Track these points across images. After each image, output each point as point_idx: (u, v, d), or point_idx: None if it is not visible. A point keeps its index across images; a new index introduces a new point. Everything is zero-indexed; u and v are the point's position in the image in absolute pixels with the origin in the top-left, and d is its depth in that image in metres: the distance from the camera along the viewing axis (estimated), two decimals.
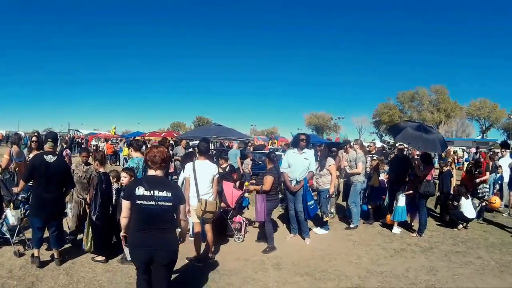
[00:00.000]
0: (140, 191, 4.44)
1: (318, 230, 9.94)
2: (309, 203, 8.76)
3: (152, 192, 4.46)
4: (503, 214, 13.26)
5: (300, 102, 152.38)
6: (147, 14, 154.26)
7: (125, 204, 4.62)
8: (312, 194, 9.34)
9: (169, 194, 4.52)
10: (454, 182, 12.38)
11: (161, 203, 4.47)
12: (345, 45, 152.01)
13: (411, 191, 10.28)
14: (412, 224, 10.73)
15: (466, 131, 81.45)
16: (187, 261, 7.23)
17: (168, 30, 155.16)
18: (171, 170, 15.03)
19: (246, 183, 10.01)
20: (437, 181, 12.32)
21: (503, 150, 16.21)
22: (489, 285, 6.98)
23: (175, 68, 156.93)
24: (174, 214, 4.69)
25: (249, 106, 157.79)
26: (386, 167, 12.42)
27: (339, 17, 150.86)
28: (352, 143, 11.99)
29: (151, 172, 4.72)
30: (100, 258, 7.03)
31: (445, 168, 12.56)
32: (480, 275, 7.40)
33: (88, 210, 7.30)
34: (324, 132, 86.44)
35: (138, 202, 4.44)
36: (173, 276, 6.29)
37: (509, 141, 47.65)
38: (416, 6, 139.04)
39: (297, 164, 8.90)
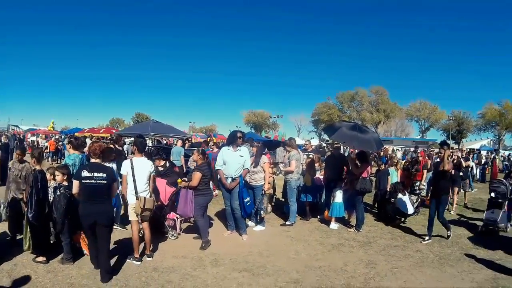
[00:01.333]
0: (85, 173, 6.27)
1: (255, 227, 10.11)
2: (245, 200, 8.87)
3: (93, 173, 6.29)
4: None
5: (239, 99, 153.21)
6: (81, 11, 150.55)
7: (75, 183, 6.35)
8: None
9: (104, 175, 6.37)
10: (391, 180, 12.80)
11: (99, 181, 6.30)
12: (285, 45, 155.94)
13: (348, 188, 10.60)
14: (350, 220, 11.08)
15: (405, 131, 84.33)
16: (127, 259, 7.20)
17: (105, 26, 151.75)
18: None
19: (179, 180, 9.95)
20: (374, 179, 12.85)
21: (440, 149, 16.93)
22: (429, 277, 7.30)
23: (114, 64, 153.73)
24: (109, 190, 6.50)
25: (188, 103, 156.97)
26: (323, 165, 12.68)
27: (279, 17, 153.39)
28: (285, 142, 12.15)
29: (92, 160, 6.67)
30: (40, 259, 6.92)
31: (382, 166, 13.06)
32: (420, 267, 7.73)
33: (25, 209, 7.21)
34: (262, 130, 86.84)
35: (84, 181, 6.25)
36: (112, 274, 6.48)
37: (448, 141, 49.38)
38: (357, 8, 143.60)
39: (232, 162, 8.97)
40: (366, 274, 7.21)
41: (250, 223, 10.22)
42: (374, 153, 17.00)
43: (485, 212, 11.26)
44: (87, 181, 6.22)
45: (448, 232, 9.95)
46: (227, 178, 8.99)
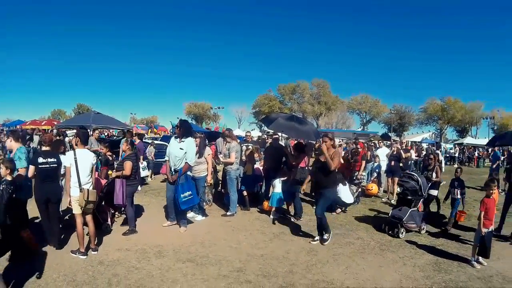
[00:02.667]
0: (40, 159, 7.41)
1: (196, 217, 10.32)
2: (182, 195, 8.81)
3: (47, 159, 7.48)
4: (382, 199, 14.78)
5: (181, 91, 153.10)
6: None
7: (31, 168, 7.31)
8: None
9: (55, 160, 7.62)
10: None
11: (51, 165, 7.52)
12: (228, 36, 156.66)
13: (287, 178, 10.92)
14: (289, 209, 11.41)
15: (346, 123, 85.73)
16: (72, 254, 7.23)
17: (44, 15, 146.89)
18: None
19: (110, 172, 10.01)
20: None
21: (380, 141, 17.78)
22: (370, 263, 7.72)
23: (54, 53, 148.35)
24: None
25: (129, 94, 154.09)
26: (262, 155, 13.06)
27: (221, 8, 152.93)
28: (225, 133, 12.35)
29: (44, 148, 8.04)
30: None
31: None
32: (361, 254, 8.17)
33: None
34: (203, 122, 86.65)
35: (39, 166, 7.38)
36: (59, 270, 6.54)
37: (390, 134, 50.73)
38: (301, 1, 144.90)
39: (174, 153, 9.05)
40: (308, 262, 7.53)
41: (191, 214, 10.37)
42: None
43: (391, 210, 10.63)
44: (43, 166, 7.42)
45: (320, 237, 8.83)
46: (171, 170, 9.12)
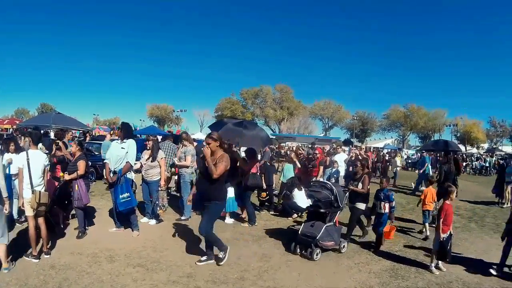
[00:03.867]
0: None
1: (150, 222, 10.34)
2: (120, 196, 8.78)
3: None
4: None
5: (145, 92, 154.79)
6: None
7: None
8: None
9: None
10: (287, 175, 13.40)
11: None
12: (191, 38, 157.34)
13: (239, 183, 11.02)
14: (243, 215, 11.49)
15: (308, 128, 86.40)
16: (25, 257, 7.20)
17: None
18: None
19: (61, 174, 9.89)
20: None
21: (338, 147, 18.02)
22: (324, 268, 7.80)
23: (17, 53, 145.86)
24: None
25: (93, 94, 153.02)
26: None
27: (184, 10, 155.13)
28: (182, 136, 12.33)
29: None
30: None
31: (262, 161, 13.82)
32: (315, 260, 8.17)
33: None
34: (165, 124, 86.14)
35: None
36: (11, 274, 6.51)
37: (352, 140, 51.38)
38: (266, 5, 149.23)
39: (116, 153, 9.04)
40: (260, 268, 7.58)
41: (145, 218, 10.43)
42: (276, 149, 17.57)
43: (302, 223, 9.31)
44: None
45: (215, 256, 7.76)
46: (111, 171, 9.08)
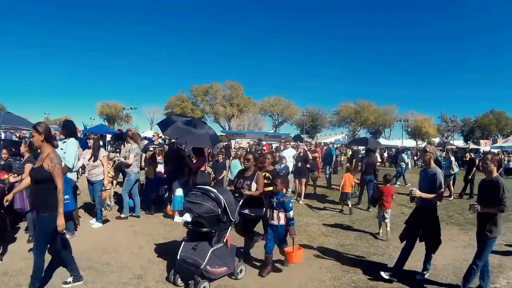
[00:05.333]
0: None
1: (93, 223, 10.29)
2: None
3: None
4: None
5: (95, 90, 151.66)
6: None
7: None
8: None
9: None
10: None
11: None
12: (141, 38, 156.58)
13: (187, 181, 11.13)
14: None
15: (258, 125, 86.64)
16: None
17: None
18: None
19: (5, 176, 9.72)
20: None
21: (287, 143, 18.33)
22: (274, 265, 7.83)
23: None
24: None
25: (43, 93, 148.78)
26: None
27: (133, 9, 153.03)
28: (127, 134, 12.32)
29: None
30: None
31: (220, 159, 14.42)
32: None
33: None
34: (115, 123, 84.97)
35: None
36: None
37: (302, 136, 51.90)
38: (213, 3, 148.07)
39: None
40: None
41: (92, 220, 10.35)
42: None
43: (182, 243, 7.00)
44: None
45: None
46: None
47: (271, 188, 7.67)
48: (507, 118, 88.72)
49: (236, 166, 14.02)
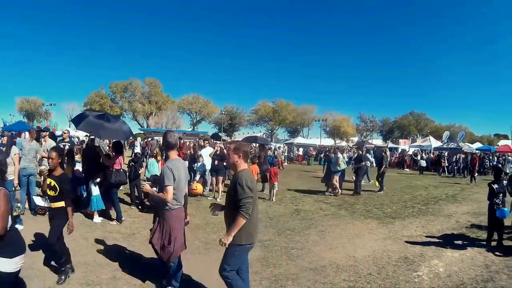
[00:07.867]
0: None
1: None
2: None
3: None
4: (208, 198, 15.73)
5: (13, 84, 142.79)
6: None
7: None
8: None
9: None
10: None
11: None
12: (60, 30, 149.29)
13: (102, 180, 11.08)
14: (111, 213, 11.52)
15: (176, 123, 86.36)
16: None
17: None
18: None
19: None
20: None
21: (205, 141, 18.72)
22: (195, 263, 8.03)
23: None
24: None
25: None
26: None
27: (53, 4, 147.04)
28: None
29: None
30: None
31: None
32: (184, 254, 7.83)
33: None
34: (35, 119, 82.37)
35: None
36: None
37: (220, 134, 52.23)
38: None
39: None
40: (132, 265, 7.74)
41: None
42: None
43: None
44: None
45: None
46: None
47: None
48: (427, 119, 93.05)
49: (153, 164, 14.38)
